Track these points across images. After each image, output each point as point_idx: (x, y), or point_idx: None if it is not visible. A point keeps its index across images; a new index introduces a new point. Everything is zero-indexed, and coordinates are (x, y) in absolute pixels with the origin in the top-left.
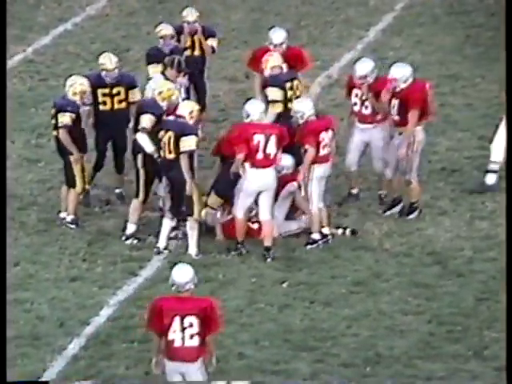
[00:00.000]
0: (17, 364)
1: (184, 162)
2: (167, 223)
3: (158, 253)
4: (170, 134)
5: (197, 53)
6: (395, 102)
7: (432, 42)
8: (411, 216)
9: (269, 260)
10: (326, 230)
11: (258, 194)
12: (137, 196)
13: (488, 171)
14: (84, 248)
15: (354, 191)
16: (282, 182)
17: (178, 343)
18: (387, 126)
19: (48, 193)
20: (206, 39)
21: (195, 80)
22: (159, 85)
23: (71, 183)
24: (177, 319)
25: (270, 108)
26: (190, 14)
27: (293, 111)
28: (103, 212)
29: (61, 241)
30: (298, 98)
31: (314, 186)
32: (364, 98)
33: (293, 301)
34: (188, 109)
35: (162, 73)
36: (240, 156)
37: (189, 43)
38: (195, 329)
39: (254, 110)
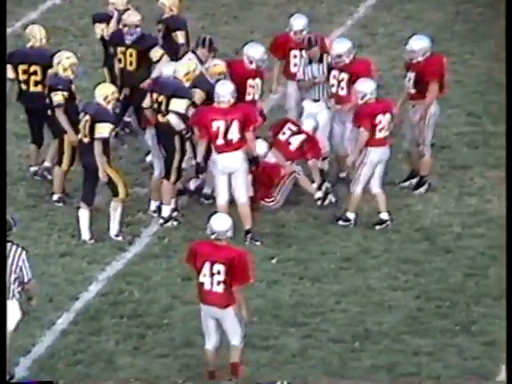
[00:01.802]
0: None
1: (97, 147)
2: (82, 213)
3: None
4: (87, 117)
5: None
6: (411, 74)
7: (422, 17)
8: (421, 189)
9: (246, 243)
10: (384, 216)
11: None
12: (168, 178)
13: None
14: (73, 224)
15: (343, 175)
16: (278, 168)
17: (207, 287)
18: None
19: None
20: (173, 31)
21: None
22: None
23: (58, 161)
24: (207, 265)
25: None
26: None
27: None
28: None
29: (50, 216)
30: None
31: (366, 168)
32: (340, 78)
33: (282, 277)
34: (102, 93)
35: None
36: (202, 141)
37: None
38: (222, 276)
39: (223, 91)
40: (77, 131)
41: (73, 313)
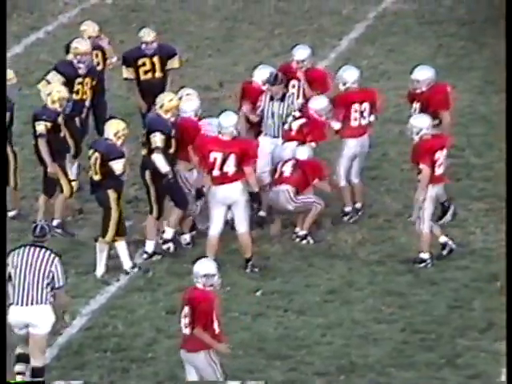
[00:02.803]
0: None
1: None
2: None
3: (127, 273)
4: (97, 155)
5: (158, 74)
6: (416, 105)
7: (404, 51)
8: (447, 216)
9: (247, 270)
10: (442, 239)
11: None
12: (151, 212)
13: None
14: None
15: (348, 209)
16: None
17: (182, 330)
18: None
19: (20, 202)
20: (166, 60)
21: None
22: (161, 97)
23: (50, 191)
24: (185, 308)
25: None
26: (147, 35)
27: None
28: (76, 221)
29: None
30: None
31: (428, 205)
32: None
33: (267, 309)
34: (113, 130)
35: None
36: (203, 171)
37: (149, 66)
38: (188, 319)
39: (227, 123)
40: (59, 163)
41: (56, 348)
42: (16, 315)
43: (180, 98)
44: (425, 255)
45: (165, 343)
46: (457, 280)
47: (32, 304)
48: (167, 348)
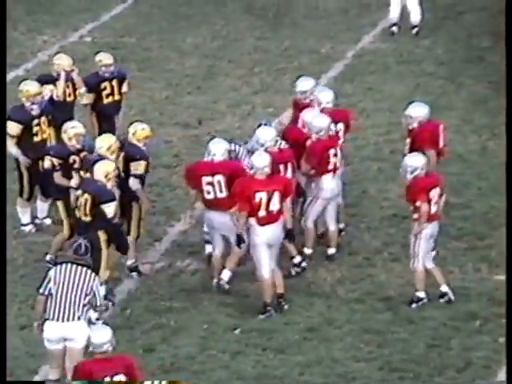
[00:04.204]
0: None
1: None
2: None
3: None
4: (87, 196)
5: (117, 97)
6: (407, 140)
7: (383, 89)
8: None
9: (286, 307)
10: (444, 288)
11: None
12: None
13: None
14: (34, 295)
15: (331, 251)
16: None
17: None
18: None
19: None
20: (122, 82)
21: (114, 124)
22: (135, 125)
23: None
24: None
25: None
26: (107, 58)
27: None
28: (54, 257)
29: (11, 288)
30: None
31: (423, 244)
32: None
33: (245, 348)
34: (102, 171)
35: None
36: (243, 214)
37: (109, 89)
38: None
39: (262, 163)
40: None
41: None
42: (54, 330)
43: (142, 129)
44: (421, 293)
45: None
46: (435, 319)
47: (71, 320)
48: None
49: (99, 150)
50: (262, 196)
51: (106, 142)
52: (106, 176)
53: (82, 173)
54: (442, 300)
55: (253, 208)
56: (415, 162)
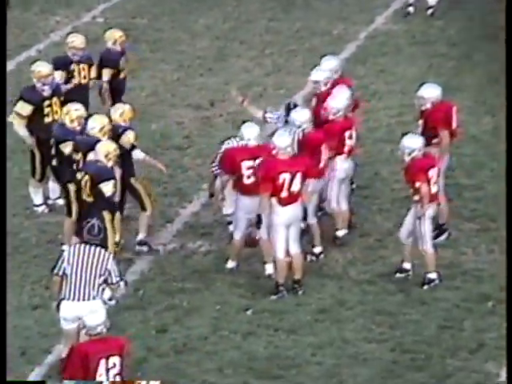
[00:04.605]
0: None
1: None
2: None
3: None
4: (87, 177)
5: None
6: (420, 122)
7: (395, 71)
8: (441, 238)
9: (300, 292)
10: (432, 275)
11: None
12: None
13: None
14: (47, 275)
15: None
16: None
17: None
18: None
19: (13, 219)
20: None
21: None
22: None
23: (68, 211)
24: (102, 362)
25: None
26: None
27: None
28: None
29: (24, 268)
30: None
31: (428, 225)
32: None
33: (257, 328)
34: (103, 151)
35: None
36: (266, 194)
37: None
38: (117, 369)
39: (284, 143)
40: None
41: (45, 366)
42: (70, 310)
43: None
44: (432, 275)
45: (155, 362)
46: (448, 300)
47: (86, 299)
48: (157, 367)
49: (91, 130)
50: (285, 177)
51: (98, 123)
52: (106, 156)
53: (79, 155)
54: (435, 282)
55: (276, 188)
56: (412, 143)
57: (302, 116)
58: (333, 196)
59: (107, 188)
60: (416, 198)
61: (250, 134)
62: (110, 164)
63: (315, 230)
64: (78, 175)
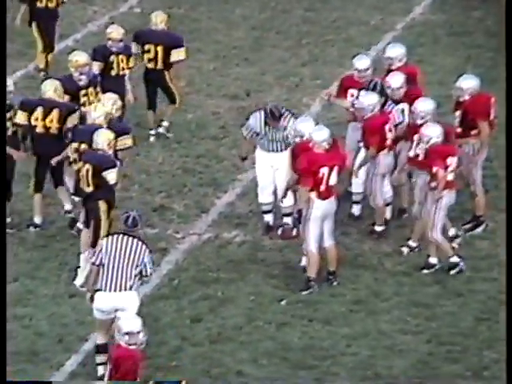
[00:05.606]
0: (15, 380)
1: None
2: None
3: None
4: (88, 166)
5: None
6: (458, 113)
7: (433, 62)
8: (478, 230)
9: (335, 283)
10: (433, 260)
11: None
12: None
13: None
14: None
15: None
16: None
17: None
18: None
19: (48, 208)
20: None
21: None
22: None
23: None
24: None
25: None
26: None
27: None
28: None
29: (60, 256)
30: None
31: (442, 214)
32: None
33: (291, 319)
34: (104, 139)
35: None
36: (306, 188)
37: (153, 54)
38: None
39: (321, 137)
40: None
41: (82, 354)
42: (105, 301)
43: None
44: (454, 258)
45: (189, 351)
46: (484, 292)
47: (122, 290)
48: (192, 356)
49: (97, 119)
50: (324, 171)
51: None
52: (108, 144)
53: (76, 145)
54: (425, 271)
55: (316, 182)
56: (431, 131)
57: (323, 135)
58: (377, 191)
59: (111, 176)
60: (433, 184)
61: (306, 129)
62: (111, 151)
63: (381, 211)
64: (75, 166)
